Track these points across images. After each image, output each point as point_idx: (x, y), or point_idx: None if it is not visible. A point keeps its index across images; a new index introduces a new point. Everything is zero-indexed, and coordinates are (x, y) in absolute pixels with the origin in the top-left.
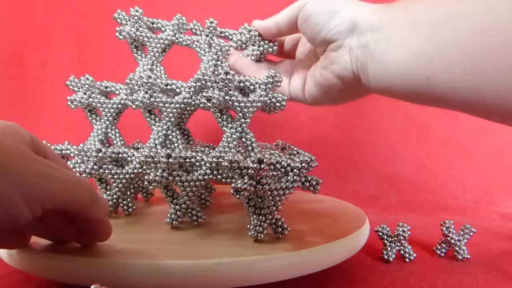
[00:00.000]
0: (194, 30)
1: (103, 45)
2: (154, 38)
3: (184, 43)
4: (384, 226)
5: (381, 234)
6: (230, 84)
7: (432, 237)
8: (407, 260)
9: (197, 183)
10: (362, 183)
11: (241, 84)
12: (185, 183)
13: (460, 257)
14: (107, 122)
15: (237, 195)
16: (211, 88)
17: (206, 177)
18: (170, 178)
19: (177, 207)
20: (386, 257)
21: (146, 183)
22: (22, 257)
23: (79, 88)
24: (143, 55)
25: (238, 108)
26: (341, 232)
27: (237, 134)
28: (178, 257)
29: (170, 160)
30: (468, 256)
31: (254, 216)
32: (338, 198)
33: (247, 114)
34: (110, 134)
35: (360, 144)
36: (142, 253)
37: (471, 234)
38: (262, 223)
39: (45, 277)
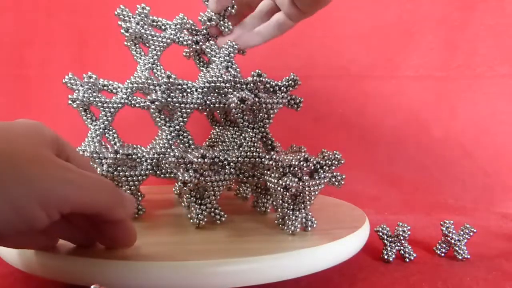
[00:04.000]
0: (190, 30)
1: (103, 45)
2: (158, 37)
3: (185, 42)
4: (384, 226)
5: (381, 234)
6: (261, 86)
7: (432, 237)
8: (407, 260)
9: (224, 182)
10: (362, 183)
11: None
12: (213, 183)
13: (460, 257)
14: (106, 122)
15: (286, 192)
16: (240, 90)
17: (231, 176)
18: (201, 178)
19: (203, 207)
20: (386, 257)
21: (180, 184)
22: (22, 257)
23: (78, 87)
24: (142, 53)
25: (264, 109)
26: (341, 232)
27: (260, 134)
28: (174, 258)
29: (206, 160)
30: (468, 256)
31: (291, 212)
32: (338, 198)
33: (272, 115)
34: (107, 135)
35: (360, 144)
36: (143, 253)
37: (471, 234)
38: (297, 218)
39: (45, 277)
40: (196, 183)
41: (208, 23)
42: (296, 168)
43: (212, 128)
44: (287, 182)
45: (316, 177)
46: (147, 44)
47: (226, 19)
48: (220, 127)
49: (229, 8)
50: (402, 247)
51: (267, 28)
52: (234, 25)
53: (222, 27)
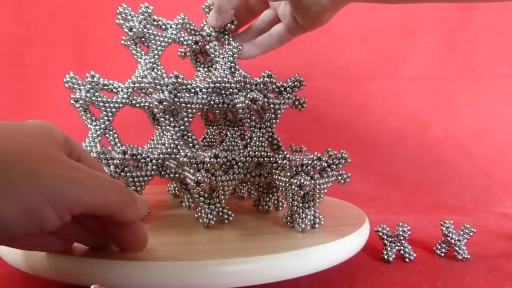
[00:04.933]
0: (189, 30)
1: (103, 45)
2: (159, 37)
3: (185, 42)
4: (384, 226)
5: (381, 234)
6: (270, 87)
7: (432, 237)
8: (407, 260)
9: (233, 182)
10: (362, 183)
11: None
12: (223, 183)
13: (460, 257)
14: (107, 122)
15: (300, 190)
16: (250, 91)
17: (239, 176)
18: (212, 178)
19: (212, 206)
20: (386, 257)
21: (193, 183)
22: (22, 257)
23: (79, 86)
24: (143, 53)
25: (272, 110)
26: (341, 232)
27: (267, 134)
28: (178, 258)
29: (219, 160)
30: (468, 256)
31: (301, 210)
32: (338, 198)
33: (278, 115)
34: (107, 135)
35: (360, 144)
36: (153, 254)
37: (471, 234)
38: (307, 216)
39: (45, 277)
40: (209, 183)
41: (208, 37)
42: (309, 167)
43: (206, 128)
44: (302, 181)
45: (325, 176)
46: (147, 44)
47: (226, 32)
48: (215, 127)
49: (229, 24)
50: (402, 247)
51: (267, 39)
52: (236, 31)
53: (222, 39)
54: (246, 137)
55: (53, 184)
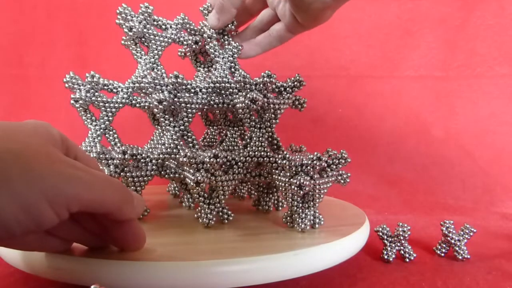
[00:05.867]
0: (189, 30)
1: (103, 45)
2: (159, 36)
3: (185, 42)
4: (384, 226)
5: (381, 234)
6: (270, 87)
7: (432, 237)
8: (407, 260)
9: (232, 182)
10: (362, 183)
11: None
12: (223, 183)
13: (460, 257)
14: (107, 122)
15: (299, 190)
16: (249, 91)
17: (239, 176)
18: (212, 178)
19: (211, 206)
20: (386, 257)
21: (192, 183)
22: (22, 257)
23: (79, 86)
24: (142, 53)
25: (272, 109)
26: (341, 232)
27: (267, 134)
28: (178, 258)
29: (218, 160)
30: (468, 256)
31: (301, 210)
32: (338, 198)
33: (278, 115)
34: (107, 135)
35: (360, 144)
36: (153, 254)
37: (471, 234)
38: (306, 216)
39: (45, 277)
40: (208, 183)
41: (209, 39)
42: (309, 167)
43: (206, 128)
44: (301, 181)
45: (325, 176)
46: (147, 44)
47: (225, 32)
48: (215, 127)
49: (229, 25)
50: (402, 247)
51: (267, 39)
52: (235, 31)
53: (222, 40)
54: (246, 137)
55: (50, 181)
